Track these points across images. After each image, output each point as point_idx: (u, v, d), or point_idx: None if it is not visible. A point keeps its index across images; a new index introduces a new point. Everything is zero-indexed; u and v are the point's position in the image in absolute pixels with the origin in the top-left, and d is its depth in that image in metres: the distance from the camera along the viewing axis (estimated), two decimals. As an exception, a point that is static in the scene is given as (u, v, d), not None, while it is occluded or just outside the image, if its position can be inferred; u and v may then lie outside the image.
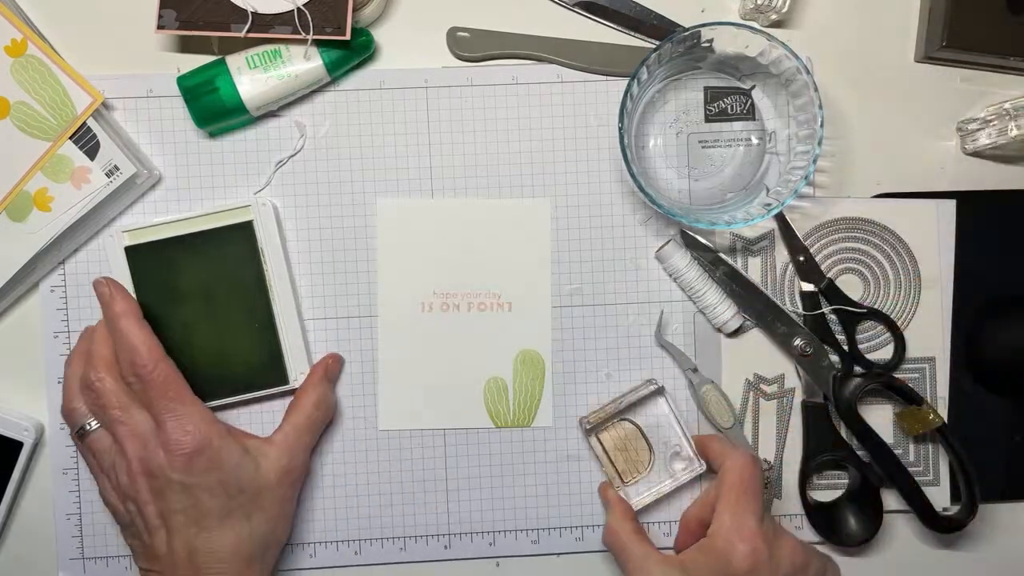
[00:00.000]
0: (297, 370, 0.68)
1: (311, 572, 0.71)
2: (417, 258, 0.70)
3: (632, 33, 0.70)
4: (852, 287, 0.70)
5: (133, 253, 0.67)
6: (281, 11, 0.64)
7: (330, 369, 0.68)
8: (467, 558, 0.71)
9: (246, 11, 0.64)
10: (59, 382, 0.69)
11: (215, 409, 0.67)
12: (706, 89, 0.70)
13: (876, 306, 0.70)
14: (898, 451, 0.69)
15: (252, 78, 0.66)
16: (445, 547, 0.71)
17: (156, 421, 0.61)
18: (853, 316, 0.69)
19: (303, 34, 0.64)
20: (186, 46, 0.70)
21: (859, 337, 0.70)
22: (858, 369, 0.69)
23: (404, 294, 0.70)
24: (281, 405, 0.69)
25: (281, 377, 0.68)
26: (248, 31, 0.64)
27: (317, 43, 0.66)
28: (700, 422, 0.71)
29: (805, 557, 0.61)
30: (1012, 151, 0.71)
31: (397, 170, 0.70)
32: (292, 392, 0.68)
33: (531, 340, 0.70)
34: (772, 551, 0.59)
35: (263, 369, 0.68)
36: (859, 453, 0.69)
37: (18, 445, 0.68)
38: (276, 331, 0.68)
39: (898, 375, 0.69)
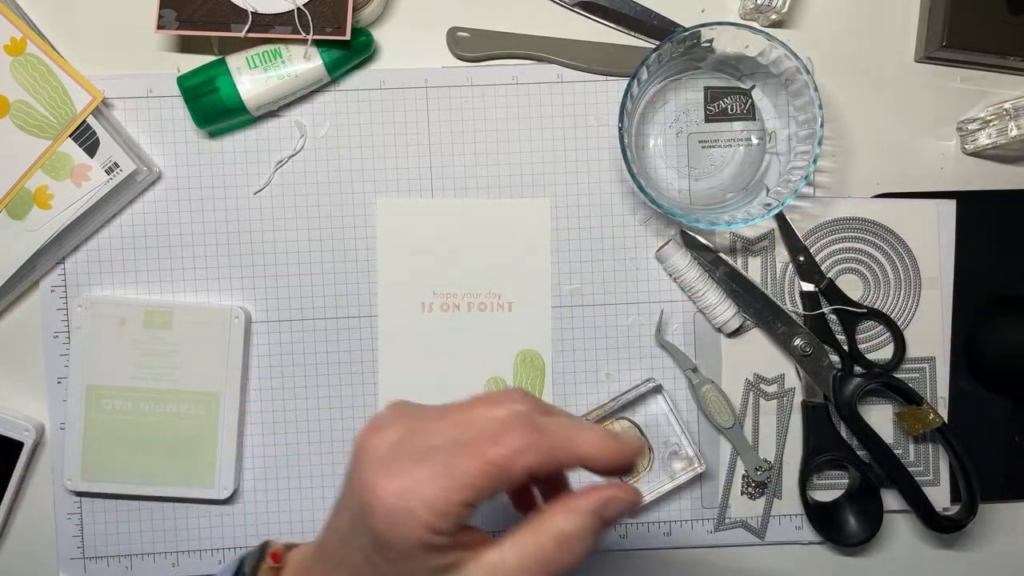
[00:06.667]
0: (222, 483, 0.69)
1: (311, 572, 0.71)
2: (417, 258, 0.70)
3: (632, 33, 0.70)
4: (852, 287, 0.70)
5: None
6: (281, 11, 0.64)
7: (608, 505, 0.43)
8: (467, 558, 0.71)
9: (246, 11, 0.64)
10: (59, 382, 0.69)
11: (141, 498, 0.69)
12: (706, 89, 0.70)
13: (876, 306, 0.70)
14: (898, 451, 0.69)
15: (252, 78, 0.66)
16: (445, 547, 0.70)
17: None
18: (853, 316, 0.69)
19: (303, 34, 0.64)
20: (186, 46, 0.70)
21: (859, 337, 0.70)
22: (858, 369, 0.69)
23: (404, 294, 0.70)
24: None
25: (208, 482, 0.69)
26: (248, 31, 0.64)
27: (317, 43, 0.66)
28: (700, 422, 0.71)
29: None
30: (1012, 151, 0.71)
31: (397, 170, 0.70)
32: (216, 501, 0.69)
33: (531, 340, 0.70)
34: None
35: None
36: (859, 453, 0.69)
37: (18, 445, 0.68)
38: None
39: (898, 375, 0.69)
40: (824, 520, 0.70)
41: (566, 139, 0.70)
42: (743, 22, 0.68)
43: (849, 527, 0.69)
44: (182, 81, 0.66)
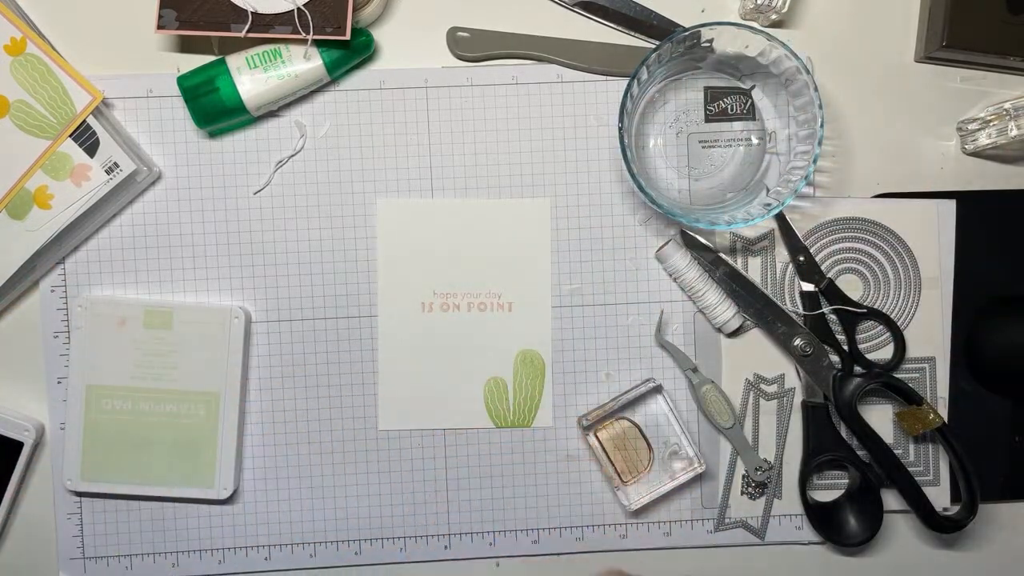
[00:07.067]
0: (222, 483, 0.68)
1: (311, 572, 0.71)
2: (417, 258, 0.70)
3: (632, 33, 0.70)
4: (852, 287, 0.70)
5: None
6: (281, 11, 0.64)
7: None
8: (467, 558, 0.71)
9: (246, 11, 0.64)
10: (59, 382, 0.69)
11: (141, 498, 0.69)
12: (706, 89, 0.70)
13: (876, 306, 0.70)
14: (898, 451, 0.69)
15: (252, 78, 0.66)
16: (445, 547, 0.70)
17: None
18: (853, 316, 0.69)
19: (303, 34, 0.64)
20: (186, 46, 0.70)
21: (859, 337, 0.70)
22: (858, 369, 0.69)
23: (404, 294, 0.70)
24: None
25: (208, 482, 0.69)
26: (248, 31, 0.64)
27: (317, 43, 0.66)
28: (700, 422, 0.71)
29: None
30: (1012, 151, 0.71)
31: (397, 170, 0.70)
32: (216, 501, 0.69)
33: (531, 340, 0.70)
34: None
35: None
36: (859, 453, 0.69)
37: (18, 445, 0.68)
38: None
39: (898, 375, 0.69)
40: (824, 520, 0.70)
41: (566, 139, 0.70)
42: (743, 22, 0.68)
43: (849, 527, 0.69)
44: (182, 81, 0.66)
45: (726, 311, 0.69)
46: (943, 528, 0.67)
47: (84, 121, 0.65)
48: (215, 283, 0.70)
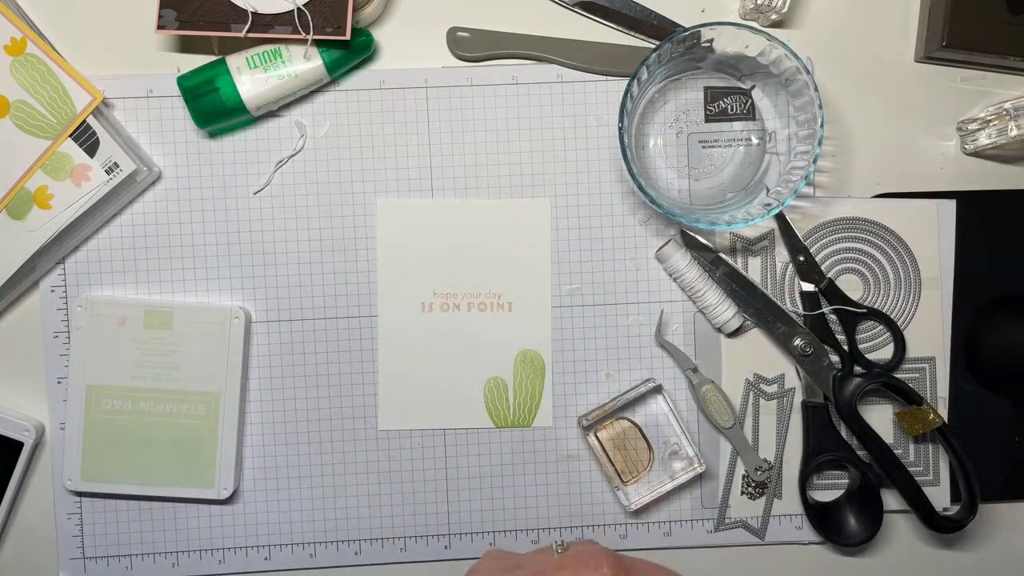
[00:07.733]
0: (222, 483, 0.68)
1: (311, 572, 0.71)
2: (417, 258, 0.70)
3: (632, 33, 0.70)
4: (852, 287, 0.70)
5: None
6: (281, 11, 0.64)
7: None
8: (467, 558, 0.71)
9: (246, 11, 0.64)
10: (59, 382, 0.69)
11: (141, 498, 0.69)
12: (706, 89, 0.70)
13: (876, 306, 0.70)
14: (898, 451, 0.69)
15: (252, 78, 0.66)
16: (445, 547, 0.71)
17: None
18: (853, 316, 0.69)
19: (303, 34, 0.64)
20: (186, 46, 0.70)
21: (859, 337, 0.70)
22: (858, 369, 0.69)
23: (404, 294, 0.70)
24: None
25: (208, 482, 0.69)
26: (248, 31, 0.64)
27: (317, 43, 0.66)
28: (700, 422, 0.71)
29: None
30: (1012, 151, 0.71)
31: (397, 170, 0.70)
32: (216, 501, 0.69)
33: (531, 340, 0.70)
34: None
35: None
36: (859, 453, 0.69)
37: (18, 445, 0.68)
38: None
39: (898, 375, 0.69)
40: (824, 520, 0.70)
41: (566, 139, 0.70)
42: (743, 22, 0.68)
43: (849, 527, 0.69)
44: (182, 81, 0.67)
45: (726, 311, 0.69)
46: (943, 528, 0.67)
47: (84, 121, 0.65)
48: (215, 283, 0.70)
